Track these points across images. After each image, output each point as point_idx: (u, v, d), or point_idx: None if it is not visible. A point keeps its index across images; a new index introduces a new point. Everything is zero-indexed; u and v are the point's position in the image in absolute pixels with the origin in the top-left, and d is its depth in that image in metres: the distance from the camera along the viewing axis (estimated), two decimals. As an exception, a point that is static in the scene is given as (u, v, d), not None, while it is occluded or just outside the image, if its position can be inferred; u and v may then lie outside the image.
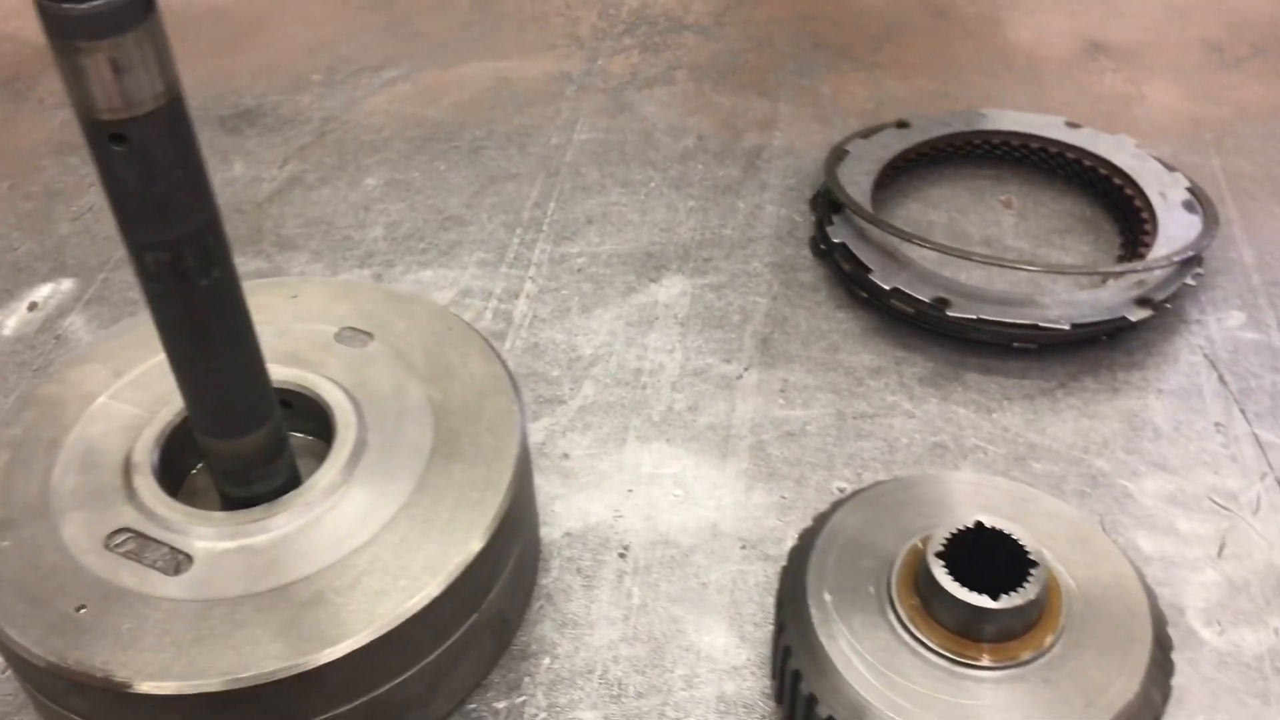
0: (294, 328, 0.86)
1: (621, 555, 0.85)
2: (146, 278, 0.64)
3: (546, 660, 0.79)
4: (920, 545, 0.72)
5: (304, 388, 0.81)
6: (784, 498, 0.89)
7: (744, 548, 0.86)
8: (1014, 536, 0.70)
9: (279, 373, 0.81)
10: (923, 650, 0.69)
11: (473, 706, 0.76)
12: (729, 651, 0.79)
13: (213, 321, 0.67)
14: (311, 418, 0.81)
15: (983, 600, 0.67)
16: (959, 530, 0.70)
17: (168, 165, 0.60)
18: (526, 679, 0.78)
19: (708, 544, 0.86)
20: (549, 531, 0.87)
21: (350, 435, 0.77)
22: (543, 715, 0.76)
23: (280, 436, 0.75)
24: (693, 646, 0.79)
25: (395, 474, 0.76)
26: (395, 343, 0.85)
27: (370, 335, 0.86)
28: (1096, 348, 1.00)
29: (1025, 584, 0.67)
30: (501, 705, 0.76)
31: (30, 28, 1.50)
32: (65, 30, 0.54)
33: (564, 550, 0.86)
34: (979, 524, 0.71)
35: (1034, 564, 0.68)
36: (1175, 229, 1.05)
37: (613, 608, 0.82)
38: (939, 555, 0.69)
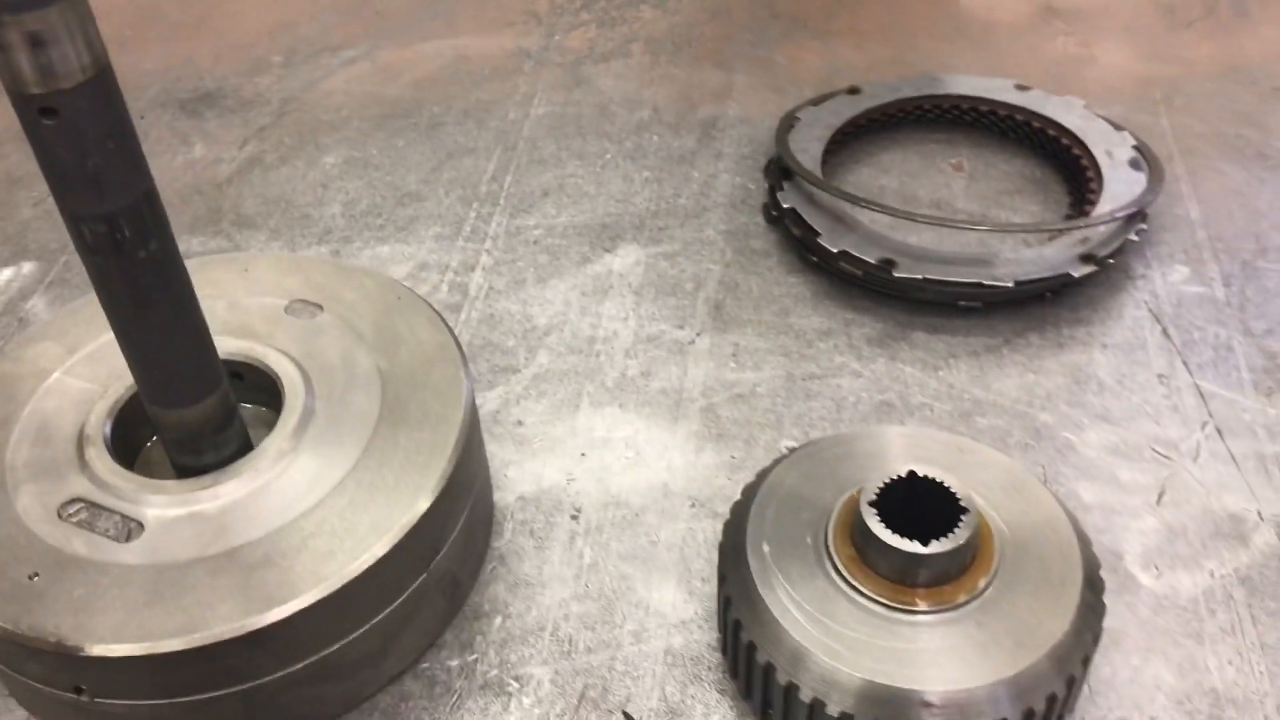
0: (244, 301, 0.88)
1: (574, 517, 0.87)
2: (85, 250, 0.65)
3: (499, 619, 0.81)
4: (855, 496, 0.74)
5: (253, 359, 0.82)
6: (733, 457, 0.91)
7: (693, 506, 0.87)
8: (945, 484, 0.71)
9: (229, 345, 0.82)
10: (859, 597, 0.70)
11: (426, 665, 0.78)
12: (677, 606, 0.81)
13: (153, 292, 0.68)
14: (262, 389, 0.83)
15: (914, 546, 0.68)
16: (892, 480, 0.72)
17: (99, 138, 0.61)
18: (479, 637, 0.80)
19: (658, 504, 0.88)
20: (502, 496, 0.89)
21: (298, 404, 0.79)
22: (494, 672, 0.77)
23: (229, 406, 0.76)
24: (642, 603, 0.81)
25: (343, 440, 0.77)
26: (344, 314, 0.86)
27: (320, 307, 0.87)
28: (1043, 305, 1.02)
29: (956, 529, 0.69)
30: (454, 663, 0.78)
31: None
32: (-11, 5, 0.56)
33: (517, 514, 0.88)
34: (911, 473, 0.72)
35: (965, 510, 0.70)
36: (1120, 186, 1.07)
37: (564, 567, 0.84)
38: (872, 504, 0.71)
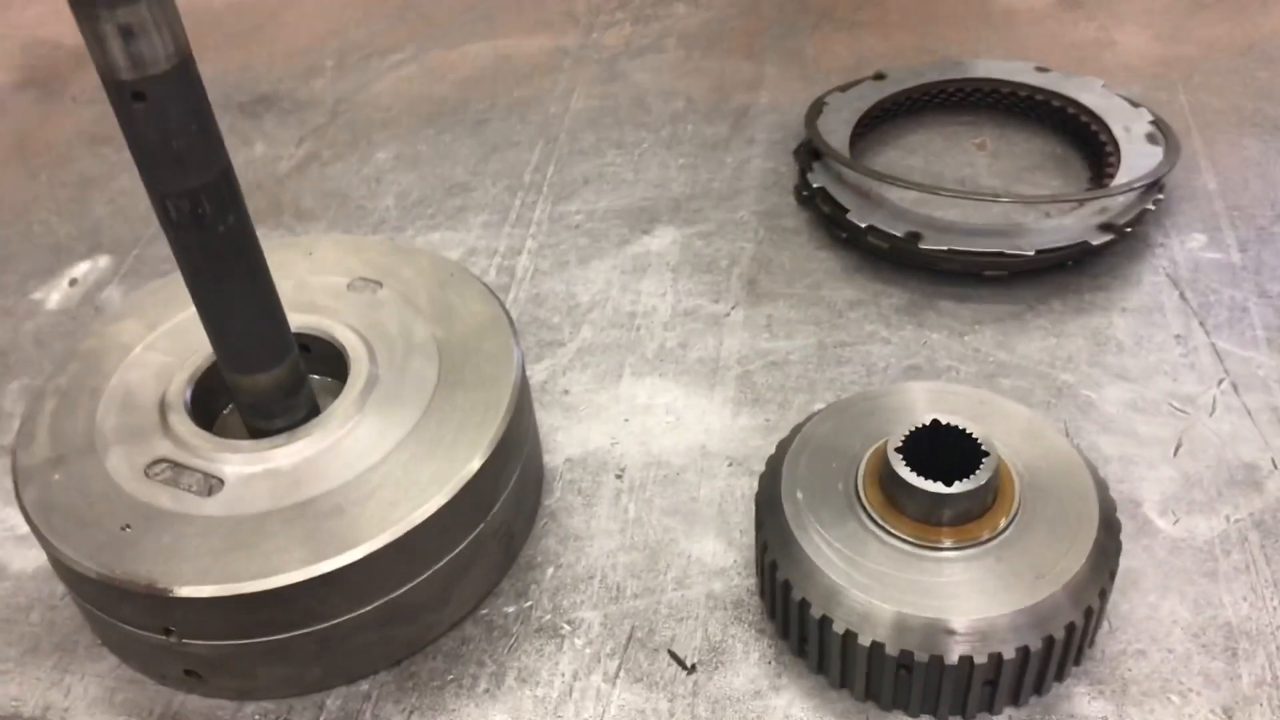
0: (310, 280, 0.94)
1: (618, 476, 0.93)
2: (169, 225, 0.72)
3: (551, 570, 0.86)
4: (882, 444, 0.78)
5: (320, 331, 0.89)
6: (768, 420, 0.96)
7: (731, 465, 0.93)
8: (967, 431, 0.76)
9: (297, 320, 0.88)
10: (887, 537, 0.75)
11: (485, 611, 0.84)
12: (717, 555, 0.86)
13: (230, 263, 0.74)
14: (329, 360, 0.89)
15: (938, 487, 0.73)
16: (917, 428, 0.77)
17: (183, 120, 0.67)
18: (533, 586, 0.85)
19: (697, 463, 0.93)
20: (551, 459, 0.94)
21: (363, 370, 0.85)
22: (548, 617, 0.83)
23: (299, 374, 0.83)
24: (684, 553, 0.86)
25: (404, 402, 0.83)
26: (402, 289, 0.92)
27: (379, 284, 0.93)
28: (1064, 273, 1.06)
29: (977, 471, 0.74)
30: (511, 609, 0.84)
31: (64, 32, 1.59)
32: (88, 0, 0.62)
33: (565, 474, 0.93)
34: (935, 422, 0.77)
35: (985, 453, 0.75)
36: (1138, 159, 1.11)
37: (611, 522, 0.89)
38: (898, 450, 0.76)
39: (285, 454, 0.80)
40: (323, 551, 0.74)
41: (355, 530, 0.75)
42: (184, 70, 0.66)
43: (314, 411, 0.85)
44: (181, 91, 0.67)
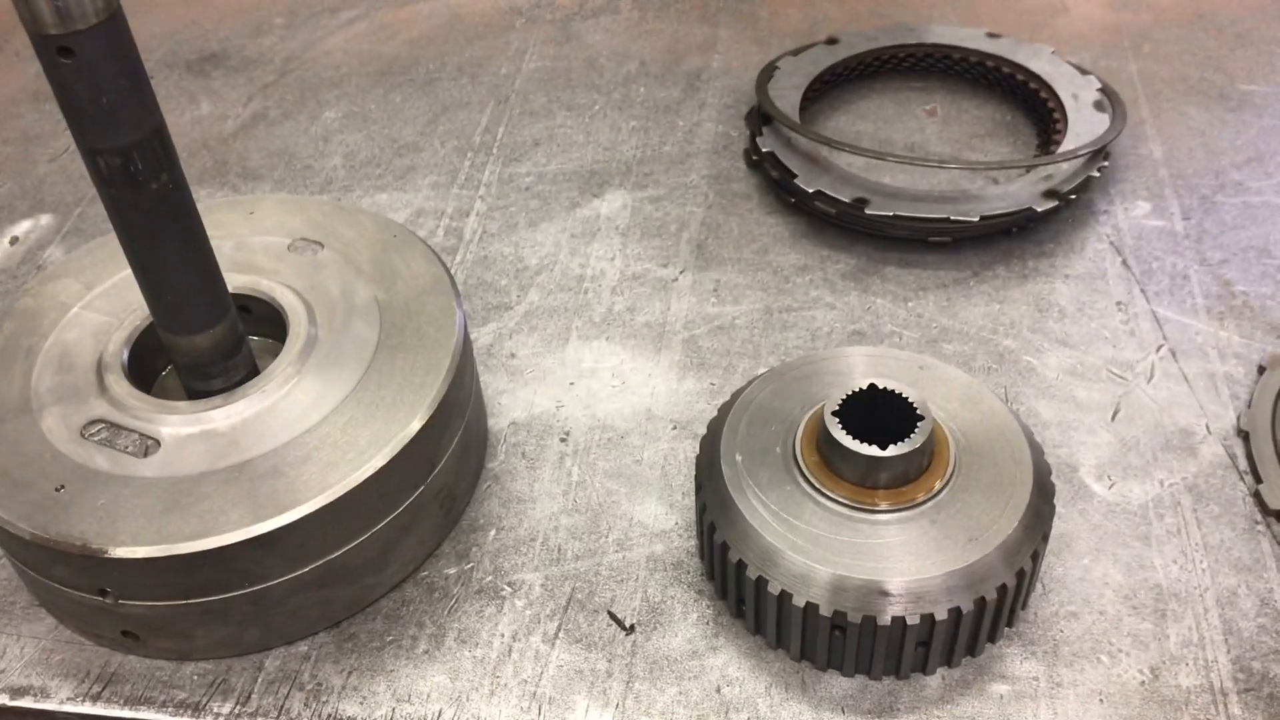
0: (250, 240, 0.93)
1: (563, 440, 0.93)
2: (101, 182, 0.71)
3: (493, 532, 0.86)
4: (820, 408, 0.79)
5: (259, 292, 0.88)
6: (713, 384, 0.96)
7: (675, 428, 0.93)
8: (902, 394, 0.77)
9: (236, 280, 0.88)
10: (823, 500, 0.76)
11: (425, 573, 0.84)
12: (659, 518, 0.86)
13: (164, 222, 0.73)
14: (268, 321, 0.88)
15: (873, 450, 0.74)
16: (854, 392, 0.78)
17: (113, 76, 0.66)
18: (475, 548, 0.85)
19: (642, 427, 0.93)
20: (496, 422, 0.94)
21: (302, 331, 0.84)
22: (489, 579, 0.83)
23: (237, 334, 0.82)
24: (626, 515, 0.87)
25: (344, 364, 0.83)
26: (344, 250, 0.92)
27: (321, 244, 0.92)
28: (1010, 239, 1.07)
29: (912, 434, 0.75)
30: (452, 571, 0.84)
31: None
32: (11, -49, 0.61)
33: (510, 438, 0.93)
34: (872, 386, 0.78)
35: (920, 417, 0.75)
36: (1084, 126, 1.12)
37: (554, 485, 0.89)
38: (835, 414, 0.76)
39: (223, 415, 0.80)
40: (259, 513, 0.74)
41: (293, 491, 0.75)
42: (113, 25, 0.65)
43: (253, 373, 0.84)
44: (111, 47, 0.66)
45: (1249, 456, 0.88)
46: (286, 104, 1.33)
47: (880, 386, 0.78)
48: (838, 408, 0.77)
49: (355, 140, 1.26)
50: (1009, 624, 0.77)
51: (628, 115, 1.27)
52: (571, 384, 0.97)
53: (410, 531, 0.82)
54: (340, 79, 1.36)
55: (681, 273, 1.07)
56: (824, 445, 0.77)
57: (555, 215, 1.14)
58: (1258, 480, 0.86)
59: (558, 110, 1.28)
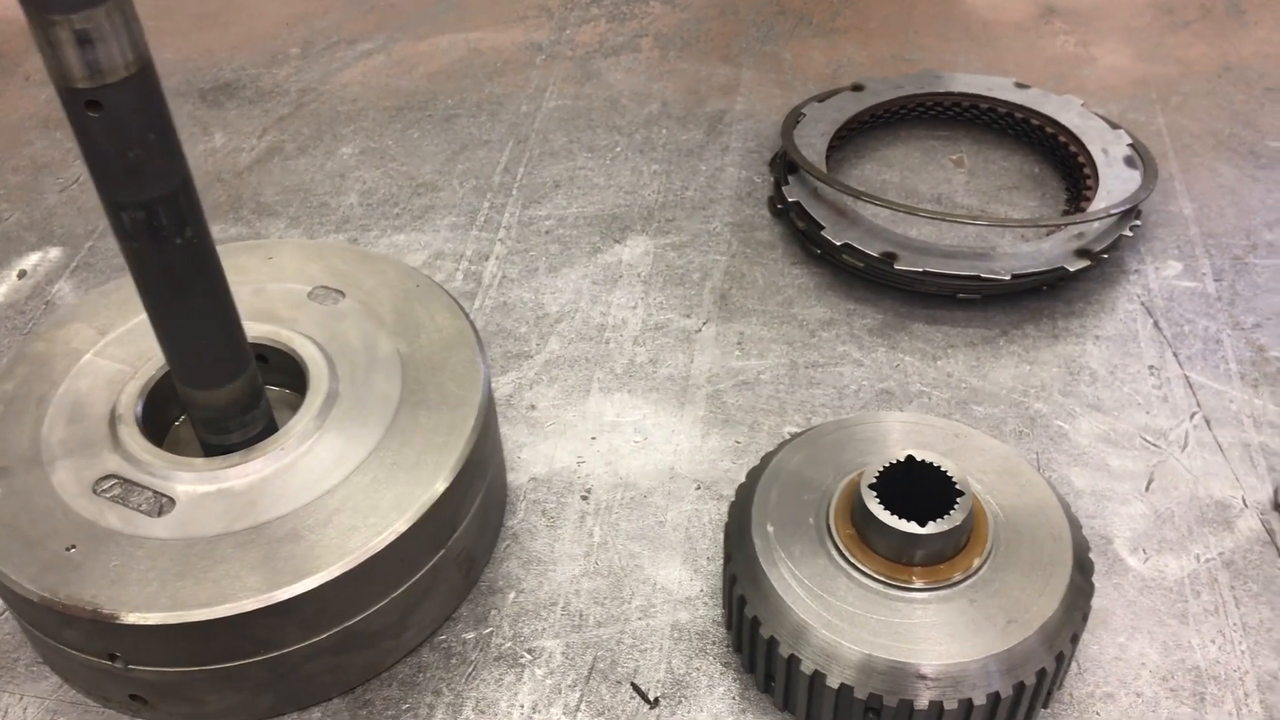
0: (269, 287, 0.91)
1: (584, 498, 0.90)
2: (124, 236, 0.68)
3: (512, 595, 0.84)
4: (856, 479, 0.77)
5: (279, 343, 0.86)
6: (738, 442, 0.94)
7: (699, 488, 0.91)
8: (941, 468, 0.75)
9: (255, 329, 0.85)
10: (858, 575, 0.74)
11: (443, 638, 0.81)
12: (683, 583, 0.84)
13: (187, 277, 0.71)
14: (287, 371, 0.86)
15: (911, 527, 0.72)
16: (891, 463, 0.75)
17: (140, 130, 0.64)
18: (494, 611, 0.83)
19: (665, 486, 0.91)
20: (516, 477, 0.92)
21: (323, 386, 0.82)
22: (508, 644, 0.81)
23: (256, 387, 0.80)
24: (649, 579, 0.85)
25: (366, 421, 0.80)
26: (365, 300, 0.90)
27: (342, 293, 0.90)
28: (1039, 298, 1.05)
29: (952, 511, 0.72)
30: (470, 636, 0.82)
31: (16, 7, 1.54)
32: (41, 5, 0.59)
33: (530, 494, 0.91)
34: (910, 457, 0.76)
35: (960, 493, 0.73)
36: (1116, 183, 1.10)
37: (575, 545, 0.87)
38: (872, 487, 0.74)
39: (240, 473, 0.77)
40: (277, 579, 0.71)
41: (311, 557, 0.72)
42: (143, 78, 0.63)
43: (271, 426, 0.82)
44: (140, 101, 0.63)
45: (1288, 532, 0.86)
46: (302, 138, 1.31)
47: (918, 459, 0.76)
48: (874, 480, 0.75)
49: (372, 177, 1.24)
50: (1045, 705, 0.75)
51: (649, 158, 1.25)
52: (593, 438, 0.95)
53: (429, 595, 0.79)
54: (357, 113, 1.34)
55: (705, 324, 1.05)
56: (859, 518, 0.75)
57: (576, 261, 1.12)
58: (1297, 558, 0.84)
59: (578, 151, 1.26)
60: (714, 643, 0.81)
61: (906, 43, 1.42)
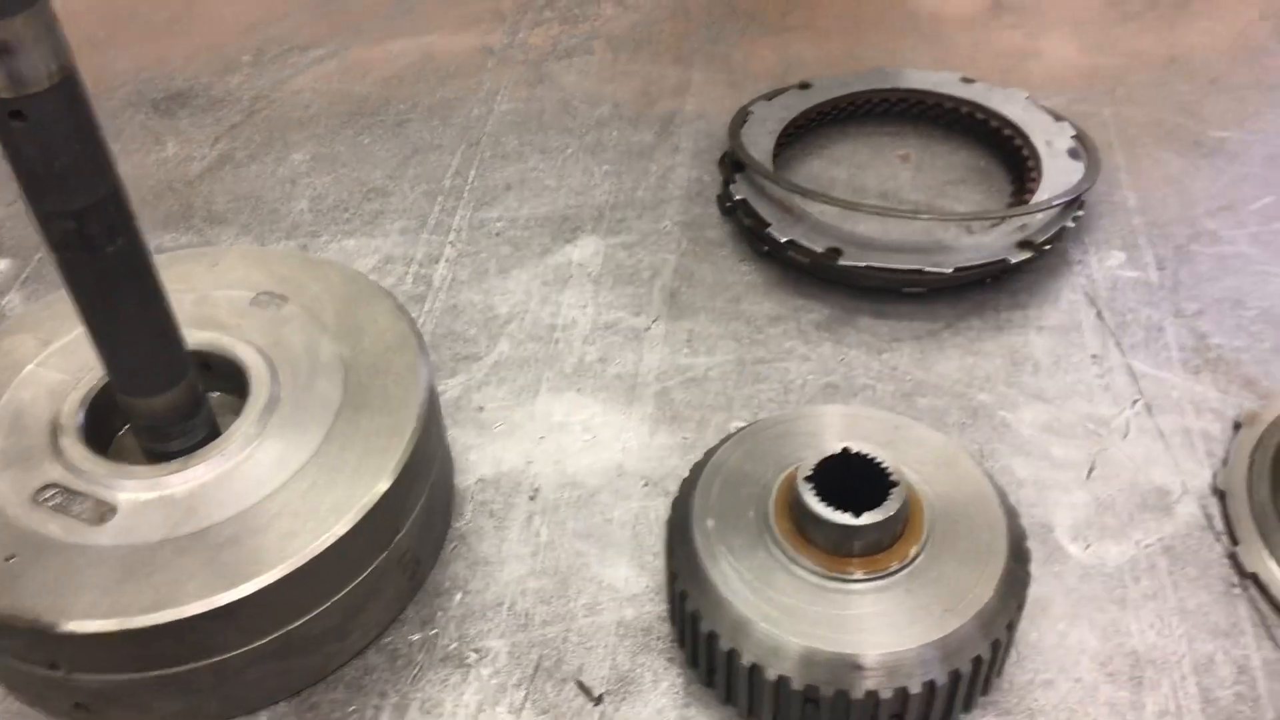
0: (213, 294, 0.91)
1: (531, 498, 0.91)
2: (54, 246, 0.69)
3: (459, 596, 0.84)
4: (793, 472, 0.77)
5: (220, 350, 0.86)
6: (685, 438, 0.95)
7: (646, 485, 0.91)
8: (876, 460, 0.75)
9: (197, 336, 0.86)
10: (796, 568, 0.74)
11: (388, 640, 0.82)
12: (629, 580, 0.85)
13: (120, 286, 0.71)
14: (229, 378, 0.86)
15: (847, 518, 0.73)
16: (828, 457, 0.76)
17: (66, 139, 0.64)
18: (440, 613, 0.83)
19: (613, 483, 0.92)
20: (463, 479, 0.92)
21: (264, 391, 0.82)
22: (454, 645, 0.81)
23: (196, 395, 0.80)
24: (596, 578, 0.85)
25: (306, 426, 0.81)
26: (309, 305, 0.90)
27: (285, 298, 0.90)
28: (983, 290, 1.06)
29: (886, 502, 0.73)
30: (415, 637, 0.82)
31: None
32: (-43, 16, 0.59)
33: (477, 495, 0.91)
34: (846, 450, 0.76)
35: (894, 484, 0.74)
36: (1059, 175, 1.11)
37: (522, 545, 0.87)
38: (808, 480, 0.75)
39: (181, 480, 0.77)
40: (218, 584, 0.71)
41: (253, 561, 0.73)
42: (67, 87, 0.63)
43: (213, 432, 0.82)
44: (64, 110, 0.64)
45: (1225, 517, 0.87)
46: (254, 145, 1.31)
47: (854, 450, 0.76)
48: (811, 473, 0.75)
49: (323, 183, 1.24)
50: (984, 693, 0.76)
51: (600, 159, 1.26)
52: (541, 438, 0.95)
53: (373, 598, 0.80)
54: (309, 119, 1.34)
55: (654, 322, 1.06)
56: (797, 512, 0.76)
57: (526, 262, 1.13)
58: (1234, 541, 0.85)
59: (530, 153, 1.27)
60: (659, 638, 0.81)
61: (857, 40, 1.43)
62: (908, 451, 0.81)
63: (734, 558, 0.75)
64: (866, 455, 0.76)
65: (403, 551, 0.81)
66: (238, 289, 0.92)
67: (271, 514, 0.75)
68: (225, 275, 0.93)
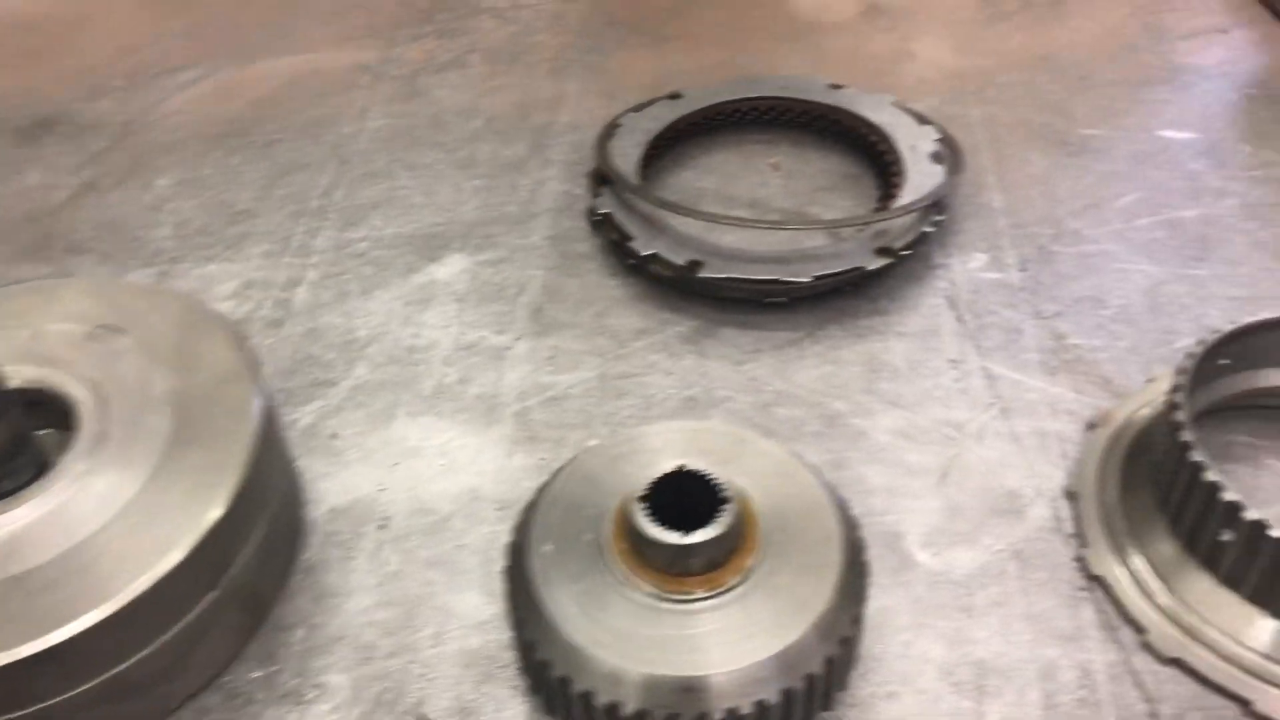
0: (48, 329, 0.89)
1: (381, 526, 0.89)
2: None
3: (301, 631, 0.83)
4: (629, 494, 0.77)
5: (49, 386, 0.84)
6: (543, 459, 0.94)
7: (500, 509, 0.90)
8: (708, 477, 0.75)
9: (27, 373, 0.84)
10: (633, 591, 0.74)
11: (228, 679, 0.80)
12: (478, 608, 0.84)
13: (-82, 328, 0.69)
14: (59, 414, 0.84)
15: (676, 537, 0.72)
16: (662, 476, 0.75)
17: None
18: (281, 649, 0.82)
19: (466, 509, 0.90)
20: (313, 509, 0.91)
21: (92, 428, 0.80)
22: (295, 682, 0.80)
23: (17, 434, 0.78)
24: (444, 606, 0.84)
25: (134, 461, 0.79)
26: (146, 337, 0.88)
27: (122, 331, 0.88)
28: (845, 298, 1.06)
29: (717, 518, 0.73)
30: (256, 675, 0.80)
31: None
32: None
33: (326, 526, 0.90)
34: (680, 468, 0.76)
35: (726, 500, 0.73)
36: (921, 179, 1.11)
37: (369, 576, 0.86)
38: (641, 500, 0.74)
39: (4, 521, 0.75)
40: (32, 630, 0.69)
41: (71, 604, 0.71)
42: None
43: (42, 471, 0.80)
44: None
45: (1075, 519, 0.87)
46: (119, 171, 1.28)
47: (687, 469, 0.76)
48: (644, 493, 0.74)
49: (188, 208, 1.22)
50: (826, 708, 0.76)
51: (470, 174, 1.24)
52: (395, 465, 0.94)
53: (206, 637, 0.78)
54: (177, 144, 1.32)
55: (518, 340, 1.05)
56: (631, 533, 0.75)
57: (390, 283, 1.11)
58: (1083, 544, 0.85)
59: (398, 171, 1.25)
60: (503, 666, 0.80)
61: (734, 48, 1.43)
62: (749, 464, 0.80)
63: (572, 583, 0.74)
64: (699, 473, 0.75)
65: (239, 586, 0.79)
66: (74, 323, 0.89)
67: (92, 555, 0.73)
68: (65, 309, 0.91)
